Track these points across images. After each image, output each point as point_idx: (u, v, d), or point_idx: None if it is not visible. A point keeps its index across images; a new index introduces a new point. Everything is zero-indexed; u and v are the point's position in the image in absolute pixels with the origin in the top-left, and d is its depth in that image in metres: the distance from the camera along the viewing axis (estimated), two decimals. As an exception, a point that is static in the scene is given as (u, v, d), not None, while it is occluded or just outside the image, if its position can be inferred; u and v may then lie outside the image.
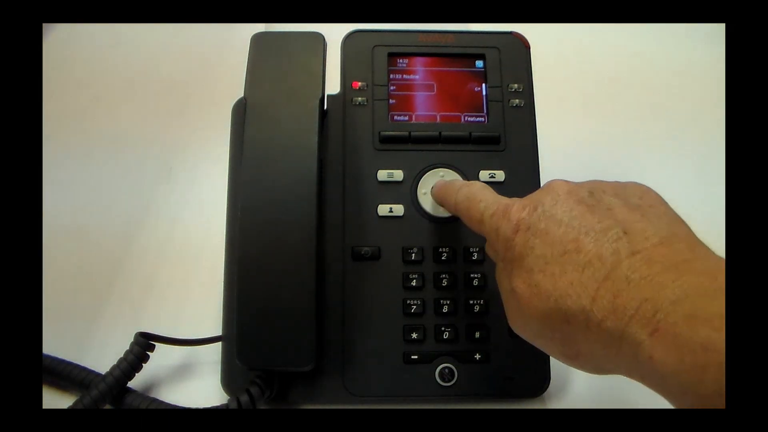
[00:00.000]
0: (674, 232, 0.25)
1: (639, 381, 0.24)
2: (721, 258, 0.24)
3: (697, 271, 0.23)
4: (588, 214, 0.26)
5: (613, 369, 0.25)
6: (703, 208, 0.48)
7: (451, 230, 0.39)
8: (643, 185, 0.29)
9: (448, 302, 0.38)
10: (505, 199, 0.30)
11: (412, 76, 0.42)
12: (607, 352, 0.24)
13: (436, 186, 0.38)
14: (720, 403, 0.20)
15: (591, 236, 0.25)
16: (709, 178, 0.51)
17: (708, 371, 0.20)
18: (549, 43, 0.48)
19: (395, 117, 0.41)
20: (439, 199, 0.37)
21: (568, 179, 0.30)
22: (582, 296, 0.24)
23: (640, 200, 0.27)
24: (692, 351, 0.21)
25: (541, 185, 0.39)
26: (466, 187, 0.33)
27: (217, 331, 0.38)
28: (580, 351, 0.26)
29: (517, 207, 0.29)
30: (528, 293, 0.26)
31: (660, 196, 0.28)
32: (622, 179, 0.30)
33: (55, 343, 0.38)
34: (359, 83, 0.41)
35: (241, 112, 0.37)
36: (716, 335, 0.20)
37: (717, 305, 0.21)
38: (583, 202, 0.27)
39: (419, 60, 0.42)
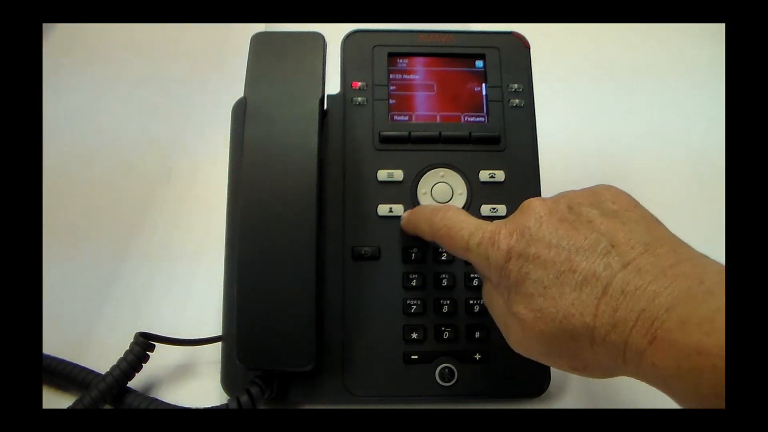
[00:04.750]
0: (655, 236, 0.26)
1: (645, 383, 0.24)
2: (702, 255, 0.25)
3: (684, 276, 0.23)
4: (573, 232, 0.27)
5: (620, 374, 0.26)
6: (702, 208, 0.49)
7: (451, 230, 0.39)
8: (612, 187, 0.29)
9: (448, 302, 0.38)
10: (486, 224, 0.30)
11: (412, 76, 0.42)
12: (613, 361, 0.25)
13: (405, 216, 0.38)
14: (719, 403, 0.21)
15: (581, 254, 0.26)
16: (709, 178, 0.51)
17: (703, 374, 0.21)
18: (549, 43, 0.48)
19: (395, 117, 0.41)
20: (411, 228, 0.36)
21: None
22: (584, 314, 0.25)
23: (614, 205, 0.28)
24: (687, 356, 0.21)
25: (541, 186, 0.40)
26: (441, 213, 0.33)
27: (217, 331, 0.38)
28: (588, 363, 0.26)
29: (504, 234, 0.29)
30: (531, 317, 0.27)
31: (630, 197, 0.29)
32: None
33: (55, 343, 0.38)
34: (359, 83, 0.41)
35: (241, 112, 0.37)
36: (707, 339, 0.21)
37: (705, 308, 0.22)
38: (566, 220, 0.28)
39: (419, 60, 0.42)
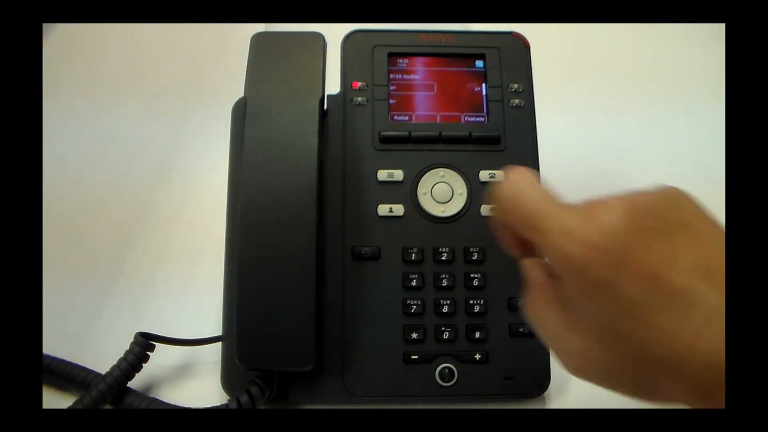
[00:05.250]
0: (721, 251, 0.23)
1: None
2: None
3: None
4: (664, 245, 0.23)
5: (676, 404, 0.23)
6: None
7: (451, 230, 0.39)
8: (683, 193, 0.25)
9: (448, 302, 0.38)
10: (566, 208, 0.25)
11: (412, 76, 0.42)
12: (691, 400, 0.22)
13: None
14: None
15: (673, 272, 0.22)
16: (709, 177, 0.51)
17: None
18: (549, 43, 0.48)
19: (395, 117, 0.41)
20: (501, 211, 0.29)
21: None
22: (678, 343, 0.21)
23: (692, 215, 0.24)
24: None
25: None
26: (513, 175, 0.27)
27: (217, 331, 0.38)
28: (659, 393, 0.23)
29: (594, 231, 0.23)
30: (611, 339, 0.23)
31: (696, 202, 0.25)
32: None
33: (55, 343, 0.38)
34: (359, 83, 0.41)
35: (241, 112, 0.37)
36: None
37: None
38: (657, 230, 0.23)
39: (419, 60, 0.42)
